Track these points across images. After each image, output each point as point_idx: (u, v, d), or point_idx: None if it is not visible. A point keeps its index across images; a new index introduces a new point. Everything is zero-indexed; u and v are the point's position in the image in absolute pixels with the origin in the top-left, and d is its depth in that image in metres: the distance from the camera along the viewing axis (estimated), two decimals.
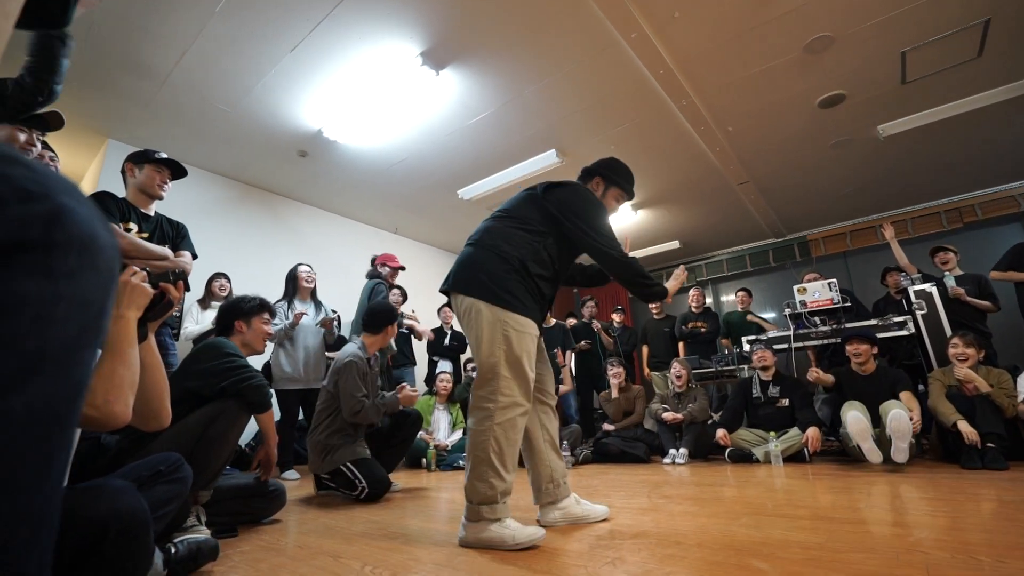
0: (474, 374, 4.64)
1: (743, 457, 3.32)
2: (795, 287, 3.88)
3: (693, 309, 5.17)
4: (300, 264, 3.92)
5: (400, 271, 4.32)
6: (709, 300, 7.52)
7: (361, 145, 4.24)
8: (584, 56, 3.31)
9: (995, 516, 1.63)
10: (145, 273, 1.13)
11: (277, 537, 1.69)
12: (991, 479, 2.30)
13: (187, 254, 2.38)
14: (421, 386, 5.01)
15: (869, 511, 1.76)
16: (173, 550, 1.18)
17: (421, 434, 4.12)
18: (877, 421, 2.87)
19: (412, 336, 5.00)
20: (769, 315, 6.26)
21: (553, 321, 5.25)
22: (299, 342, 3.67)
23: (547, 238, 1.73)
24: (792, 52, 3.33)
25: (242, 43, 3.09)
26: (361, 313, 3.67)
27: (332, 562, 1.36)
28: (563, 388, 4.59)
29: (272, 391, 3.80)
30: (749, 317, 5.09)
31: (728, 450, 3.36)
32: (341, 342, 3.79)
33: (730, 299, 7.36)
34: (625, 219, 5.77)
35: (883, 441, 2.73)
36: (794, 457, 3.21)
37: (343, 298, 4.69)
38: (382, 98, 3.62)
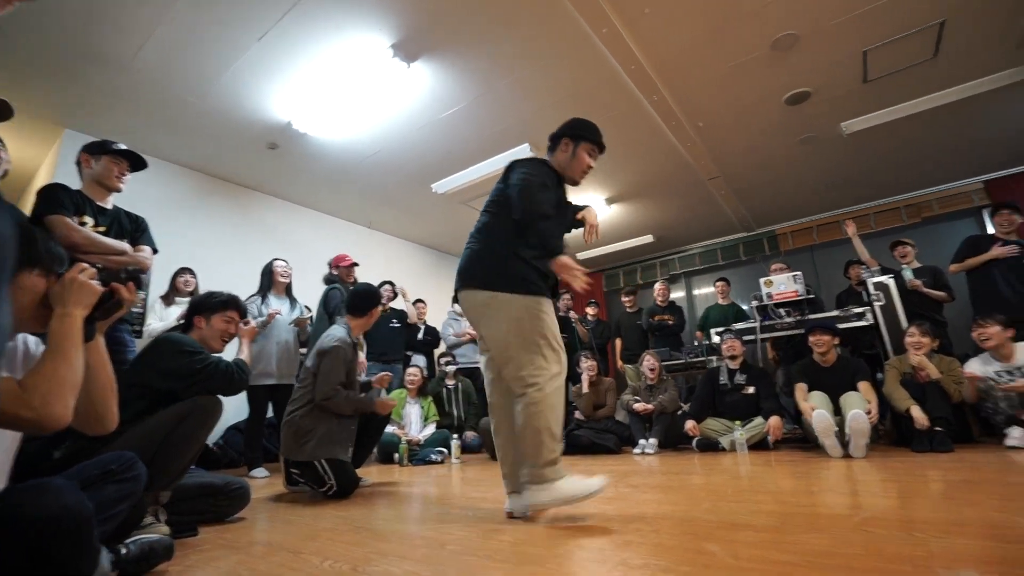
0: (448, 368, 4.71)
1: (710, 446, 3.40)
2: (761, 280, 3.97)
3: (659, 303, 5.25)
4: (276, 259, 3.87)
5: (354, 267, 4.34)
6: (682, 293, 7.65)
7: (332, 138, 4.18)
8: (556, 50, 3.31)
9: (939, 495, 1.71)
10: (95, 270, 1.10)
11: (239, 535, 1.67)
12: (938, 461, 2.41)
13: (147, 249, 2.32)
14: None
15: (824, 495, 1.83)
16: (124, 550, 1.16)
17: (393, 429, 4.10)
18: (838, 409, 2.98)
19: (406, 330, 5.03)
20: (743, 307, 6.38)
21: None
22: (272, 337, 3.62)
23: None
24: (760, 49, 3.39)
25: (207, 31, 3.01)
26: (320, 322, 3.68)
27: (291, 558, 1.36)
28: None
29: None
30: None
31: (696, 439, 3.44)
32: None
33: (703, 292, 7.49)
34: (599, 213, 5.81)
35: (843, 432, 2.82)
36: (758, 445, 3.31)
37: (318, 294, 4.62)
38: (353, 90, 3.57)
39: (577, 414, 4.14)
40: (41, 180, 4.17)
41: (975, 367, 3.00)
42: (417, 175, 4.89)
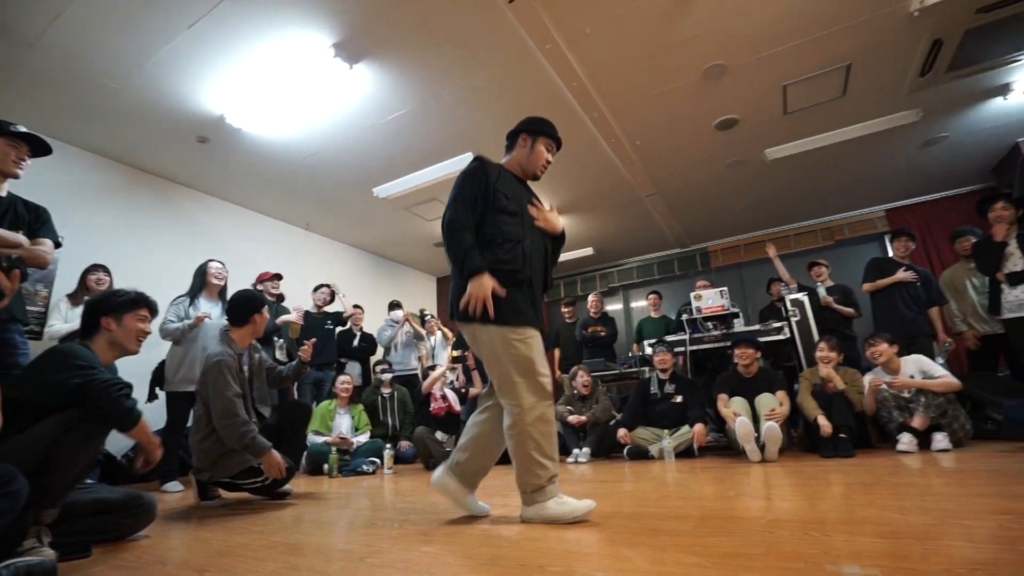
0: (384, 376, 4.61)
1: (640, 454, 3.51)
2: (692, 294, 4.17)
3: (592, 315, 5.40)
4: (211, 260, 3.68)
5: (278, 279, 4.30)
6: (620, 306, 7.88)
7: (269, 135, 4.01)
8: (501, 63, 3.36)
9: (839, 496, 1.84)
10: None
11: (139, 554, 1.55)
12: (841, 465, 2.61)
13: (47, 242, 2.12)
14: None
15: (739, 499, 1.92)
16: None
17: (325, 439, 3.96)
18: (757, 417, 3.18)
19: (335, 332, 4.90)
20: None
21: None
22: (199, 342, 3.41)
23: (486, 227, 1.81)
24: (692, 76, 3.59)
25: (130, 12, 2.81)
26: None
27: None
28: (473, 391, 4.60)
29: (162, 393, 3.51)
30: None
31: (627, 448, 3.53)
32: None
33: (640, 305, 7.75)
34: None
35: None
36: (686, 452, 3.45)
37: None
38: (292, 87, 3.46)
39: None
40: None
41: (871, 378, 3.27)
42: (358, 179, 4.79)
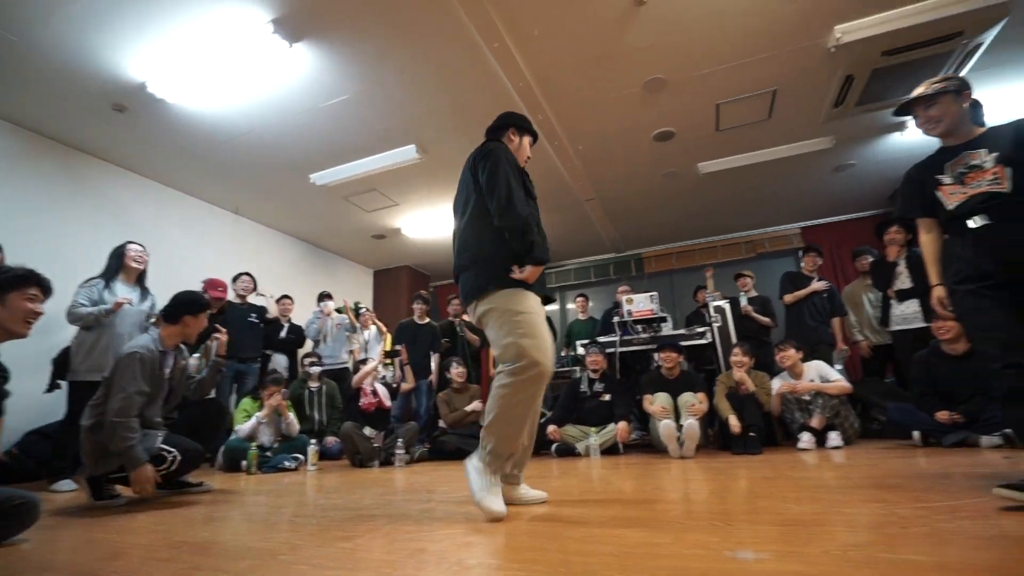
0: (312, 369, 4.45)
1: (568, 451, 3.60)
2: (624, 298, 4.33)
3: None
4: (130, 242, 3.41)
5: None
6: (556, 306, 8.04)
7: (198, 108, 3.74)
8: (448, 56, 3.33)
9: (744, 490, 1.98)
10: None
11: (12, 561, 1.41)
12: (749, 461, 2.81)
13: None
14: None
15: (655, 493, 2.02)
16: None
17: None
18: (677, 414, 3.39)
19: (262, 327, 4.67)
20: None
21: (427, 320, 5.21)
22: (115, 329, 3.16)
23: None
24: (634, 87, 3.72)
25: None
26: None
27: None
28: (404, 386, 4.55)
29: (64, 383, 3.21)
30: None
31: (555, 445, 3.62)
32: None
33: (573, 306, 7.93)
34: None
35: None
36: (611, 449, 3.58)
37: (170, 284, 4.09)
38: (225, 60, 3.25)
39: (441, 422, 4.16)
40: None
41: (777, 383, 3.55)
42: (294, 163, 4.58)
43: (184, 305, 2.52)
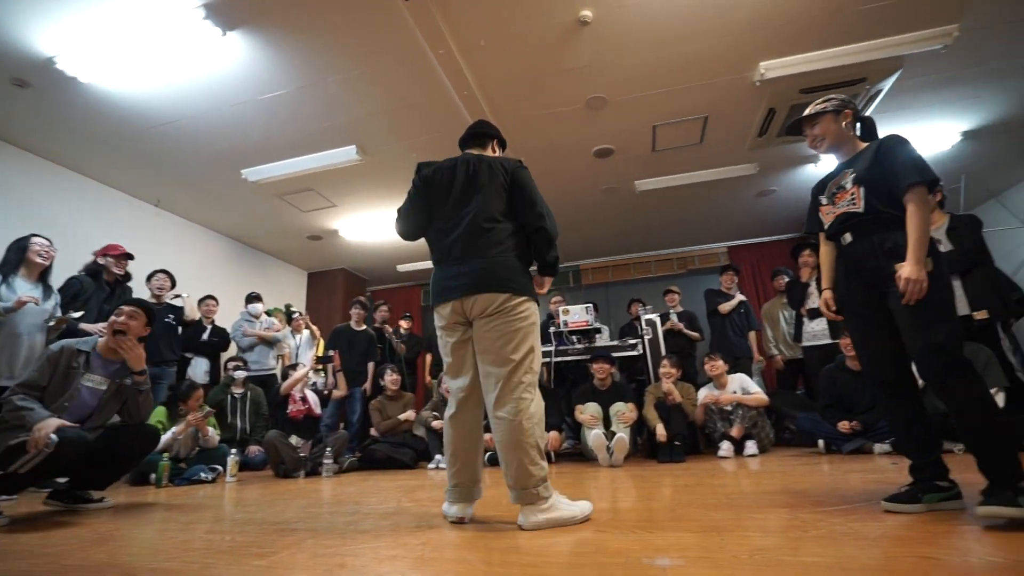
0: (237, 374, 4.20)
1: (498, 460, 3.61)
2: (560, 308, 4.42)
3: None
4: (35, 235, 3.14)
5: (127, 259, 3.81)
6: None
7: (116, 90, 3.46)
8: (393, 59, 3.28)
9: (667, 497, 2.06)
10: None
11: None
12: (673, 469, 2.94)
13: None
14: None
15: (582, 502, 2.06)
16: None
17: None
18: (608, 423, 3.49)
19: (178, 328, 4.34)
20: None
21: (364, 326, 5.06)
22: (12, 329, 2.87)
23: (517, 223, 1.81)
24: (577, 104, 3.83)
25: None
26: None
27: None
28: (336, 393, 4.41)
29: None
30: None
31: (488, 453, 3.61)
32: None
33: None
34: None
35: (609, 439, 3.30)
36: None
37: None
38: (149, 42, 3.02)
39: (372, 431, 4.06)
40: None
41: (704, 392, 3.75)
42: (225, 156, 4.34)
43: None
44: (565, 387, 4.40)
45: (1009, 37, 3.27)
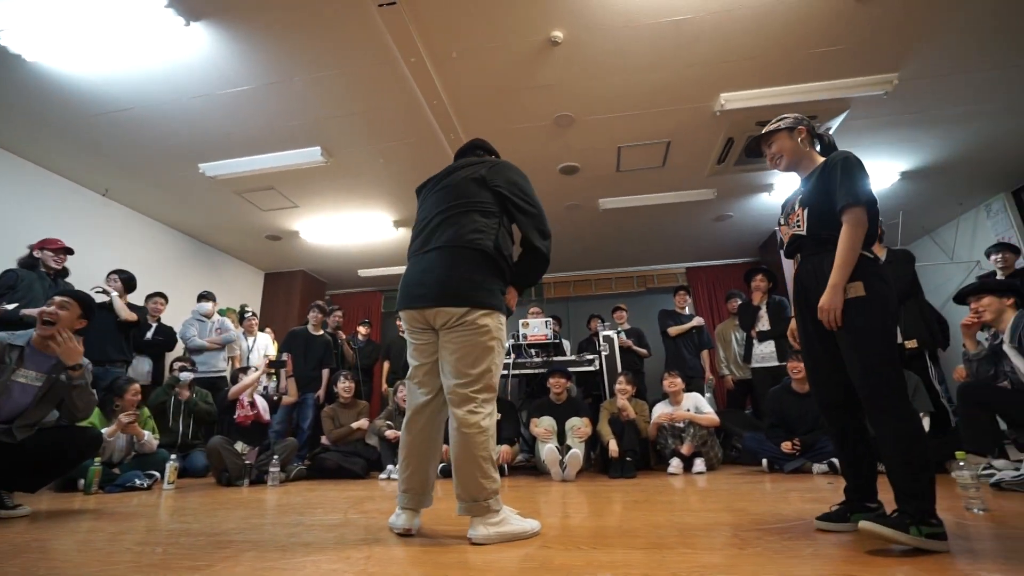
0: (182, 375, 4.02)
1: (451, 472, 3.58)
2: (520, 321, 4.44)
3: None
4: None
5: (67, 254, 3.65)
6: None
7: (65, 71, 3.27)
8: (363, 63, 3.26)
9: (615, 513, 2.09)
10: None
11: None
12: (624, 485, 2.98)
13: None
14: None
15: (532, 515, 2.06)
16: None
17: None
18: (563, 437, 3.53)
19: (131, 329, 4.12)
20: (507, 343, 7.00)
21: (321, 331, 4.93)
22: None
23: (502, 217, 1.82)
24: (545, 120, 3.89)
25: None
26: None
27: None
28: (286, 399, 4.28)
29: None
30: None
31: (441, 465, 3.57)
32: None
33: None
34: (386, 235, 5.80)
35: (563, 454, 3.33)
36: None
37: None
38: (106, 25, 2.88)
39: (323, 439, 3.96)
40: None
41: (659, 409, 3.83)
42: (182, 149, 4.17)
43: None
44: (521, 399, 4.42)
45: (944, 89, 3.54)
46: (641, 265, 7.36)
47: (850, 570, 1.20)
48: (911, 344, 3.26)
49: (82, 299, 2.42)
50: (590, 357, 4.27)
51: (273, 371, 4.83)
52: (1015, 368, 2.64)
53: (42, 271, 3.50)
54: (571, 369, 4.17)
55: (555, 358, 4.28)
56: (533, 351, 4.26)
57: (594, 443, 3.76)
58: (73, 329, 2.35)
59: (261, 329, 5.45)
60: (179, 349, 4.77)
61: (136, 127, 3.88)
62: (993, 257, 3.83)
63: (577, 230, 6.01)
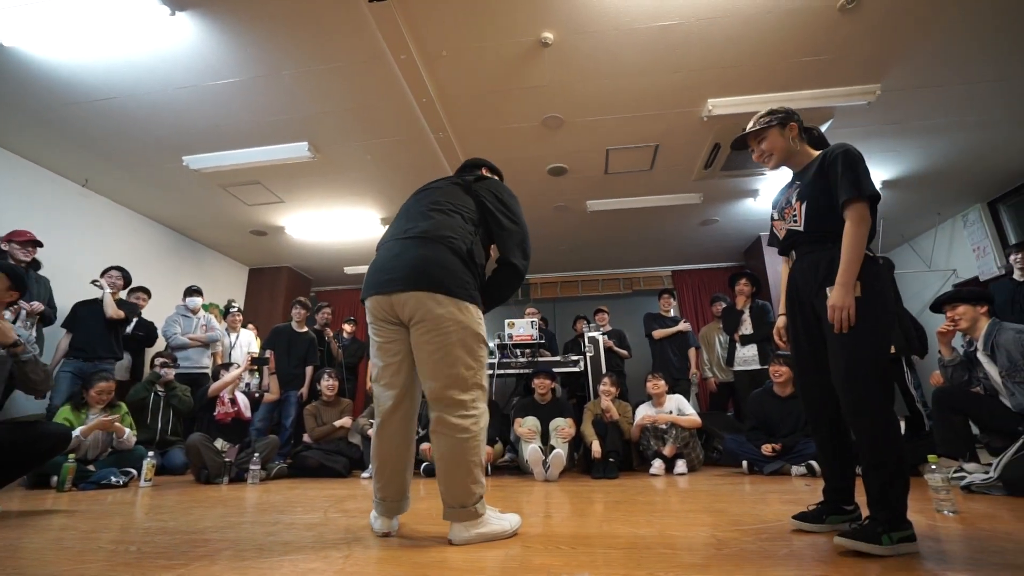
0: (164, 372, 3.96)
1: (434, 471, 3.57)
2: (505, 320, 4.44)
3: None
4: None
5: (35, 247, 3.61)
6: None
7: (44, 58, 3.19)
8: (352, 59, 3.24)
9: (596, 514, 2.11)
10: None
11: None
12: (606, 485, 3.00)
13: None
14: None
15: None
16: None
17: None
18: (547, 437, 3.54)
19: (119, 326, 4.05)
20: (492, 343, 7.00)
21: (305, 328, 4.89)
22: None
23: (479, 228, 1.77)
24: (533, 121, 3.90)
25: None
26: None
27: None
28: (268, 396, 4.23)
29: None
30: None
31: (424, 465, 3.57)
32: None
33: None
34: (373, 232, 5.75)
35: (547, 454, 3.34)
36: None
37: None
38: (86, 9, 2.82)
39: (305, 437, 3.93)
40: None
41: (642, 411, 3.86)
42: (165, 141, 4.10)
43: None
44: (507, 399, 4.42)
45: (924, 101, 3.62)
46: (627, 267, 7.41)
47: (824, 571, 1.22)
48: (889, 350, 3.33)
49: (9, 270, 2.34)
50: (575, 358, 4.29)
51: (255, 368, 4.77)
52: (987, 375, 2.71)
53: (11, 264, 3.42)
54: (556, 370, 4.17)
55: (541, 359, 4.28)
56: (518, 351, 4.27)
57: (577, 444, 3.77)
58: (3, 302, 2.27)
59: (244, 325, 5.37)
60: (159, 345, 4.70)
61: (118, 117, 3.80)
62: (1013, 257, 3.79)
63: (564, 231, 6.03)
